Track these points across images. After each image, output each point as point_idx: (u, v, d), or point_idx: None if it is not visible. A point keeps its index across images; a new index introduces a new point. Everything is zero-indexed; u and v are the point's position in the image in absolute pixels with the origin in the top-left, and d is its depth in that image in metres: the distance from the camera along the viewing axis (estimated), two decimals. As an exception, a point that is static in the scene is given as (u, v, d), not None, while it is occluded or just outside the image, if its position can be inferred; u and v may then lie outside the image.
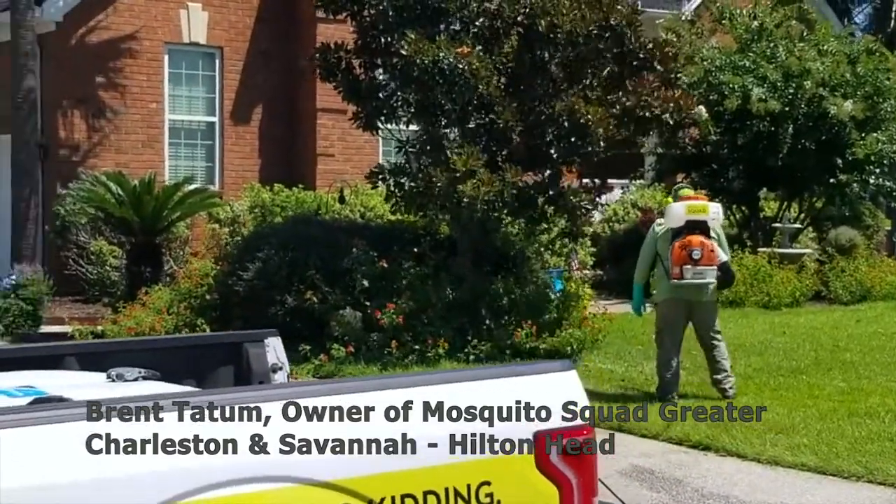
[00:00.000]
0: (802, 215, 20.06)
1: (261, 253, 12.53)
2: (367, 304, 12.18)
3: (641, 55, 12.15)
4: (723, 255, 9.97)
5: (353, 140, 18.01)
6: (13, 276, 13.80)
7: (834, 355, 12.54)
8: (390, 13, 11.83)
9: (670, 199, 10.44)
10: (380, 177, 12.94)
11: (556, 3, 11.99)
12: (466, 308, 12.24)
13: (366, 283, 12.28)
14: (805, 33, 19.22)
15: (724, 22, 19.51)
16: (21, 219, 15.37)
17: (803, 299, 17.39)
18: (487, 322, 12.19)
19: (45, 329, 13.64)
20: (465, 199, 11.38)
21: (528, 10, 12.11)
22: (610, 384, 11.00)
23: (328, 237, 12.82)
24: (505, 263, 13.35)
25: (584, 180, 13.48)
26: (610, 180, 19.81)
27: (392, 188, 12.80)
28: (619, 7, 12.17)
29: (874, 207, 22.05)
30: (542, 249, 16.27)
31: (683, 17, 20.70)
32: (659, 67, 12.48)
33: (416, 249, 12.82)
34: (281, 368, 5.04)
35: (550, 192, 12.61)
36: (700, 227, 9.73)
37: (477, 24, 12.16)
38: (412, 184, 12.50)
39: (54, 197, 16.37)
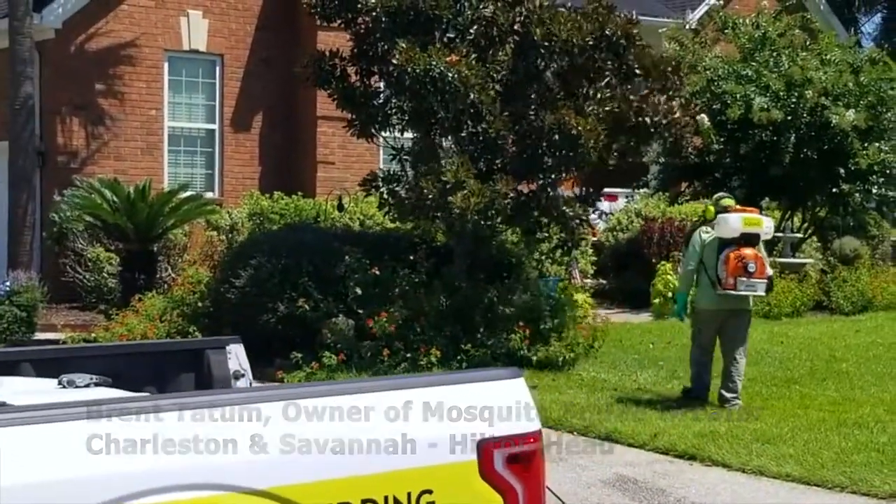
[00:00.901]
0: (805, 225, 19.95)
1: (253, 260, 12.50)
2: (360, 311, 12.14)
3: (638, 71, 12.09)
4: (769, 269, 10.21)
5: (353, 148, 17.97)
6: (7, 283, 13.79)
7: (829, 365, 12.47)
8: (384, 20, 11.80)
9: (712, 209, 10.46)
10: (374, 185, 12.91)
11: (552, 12, 11.95)
12: (460, 316, 12.19)
13: (359, 290, 12.24)
14: (808, 42, 19.12)
15: (727, 31, 19.43)
16: (18, 225, 15.38)
17: (804, 309, 17.31)
18: (481, 330, 12.13)
19: (38, 336, 13.62)
20: (455, 210, 11.34)
21: (523, 18, 12.07)
22: (602, 393, 10.95)
23: (321, 244, 12.78)
24: (500, 272, 13.30)
25: (577, 190, 13.40)
26: (614, 189, 19.90)
27: (386, 196, 12.77)
28: (614, 17, 12.08)
29: (879, 217, 21.90)
30: (543, 258, 16.23)
31: (687, 27, 20.63)
32: (657, 85, 12.42)
33: (410, 257, 12.78)
34: (243, 375, 5.00)
35: (543, 202, 12.54)
36: (752, 241, 9.96)
37: (471, 31, 12.13)
38: (405, 193, 12.47)
39: (52, 204, 16.36)
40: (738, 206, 10.50)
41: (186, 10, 18.14)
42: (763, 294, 10.47)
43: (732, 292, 9.89)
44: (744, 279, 9.81)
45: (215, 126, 18.61)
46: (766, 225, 10.15)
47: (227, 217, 16.58)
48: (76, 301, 15.89)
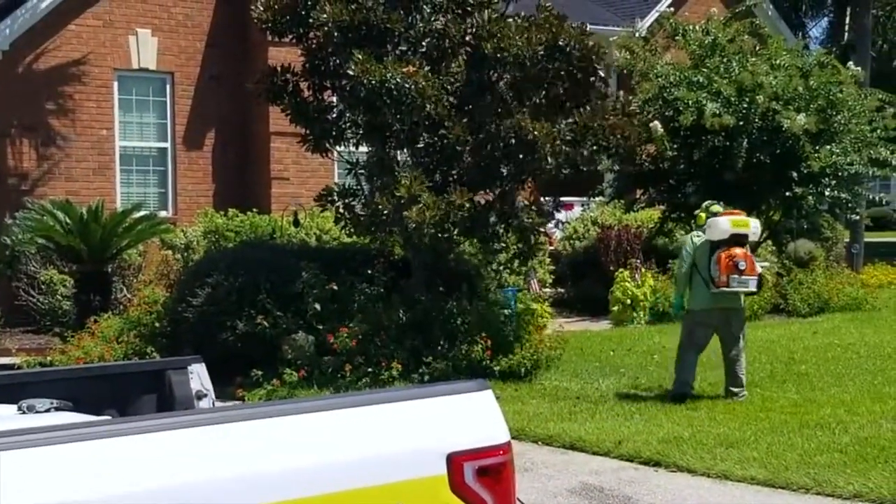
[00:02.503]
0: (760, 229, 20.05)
1: (210, 278, 12.40)
2: (320, 327, 12.07)
3: (584, 67, 12.10)
4: (758, 267, 10.91)
5: (307, 163, 17.89)
6: (-41, 308, 13.60)
7: (789, 367, 12.55)
8: (336, 35, 11.74)
9: (703, 215, 11.11)
10: (329, 199, 12.85)
11: (501, 25, 11.94)
12: (420, 329, 12.15)
13: (317, 306, 12.18)
14: (757, 48, 19.26)
15: (677, 38, 19.53)
16: (-31, 249, 15.18)
17: (762, 312, 17.41)
18: (441, 342, 12.09)
19: (-8, 361, 13.42)
20: (411, 224, 11.31)
21: (474, 31, 12.07)
22: (565, 402, 10.94)
23: (279, 261, 12.70)
24: (459, 283, 13.28)
25: (534, 199, 13.40)
26: (570, 198, 19.95)
27: (342, 211, 12.71)
28: (567, 27, 12.09)
29: (832, 219, 22.08)
30: (501, 268, 16.23)
31: (637, 34, 20.71)
32: (598, 82, 12.46)
33: (368, 271, 12.73)
34: (206, 395, 4.93)
35: (502, 212, 12.53)
36: (740, 241, 10.63)
37: (424, 44, 12.10)
38: (361, 208, 12.43)
39: (3, 227, 16.14)
40: (725, 210, 11.11)
41: (135, 28, 17.99)
42: (755, 290, 11.07)
43: (726, 289, 10.53)
44: (735, 276, 10.47)
45: (167, 144, 18.45)
46: (753, 226, 10.82)
47: (181, 236, 16.44)
48: (30, 324, 15.68)
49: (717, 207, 11.15)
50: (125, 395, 4.86)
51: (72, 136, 17.47)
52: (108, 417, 4.35)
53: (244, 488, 3.13)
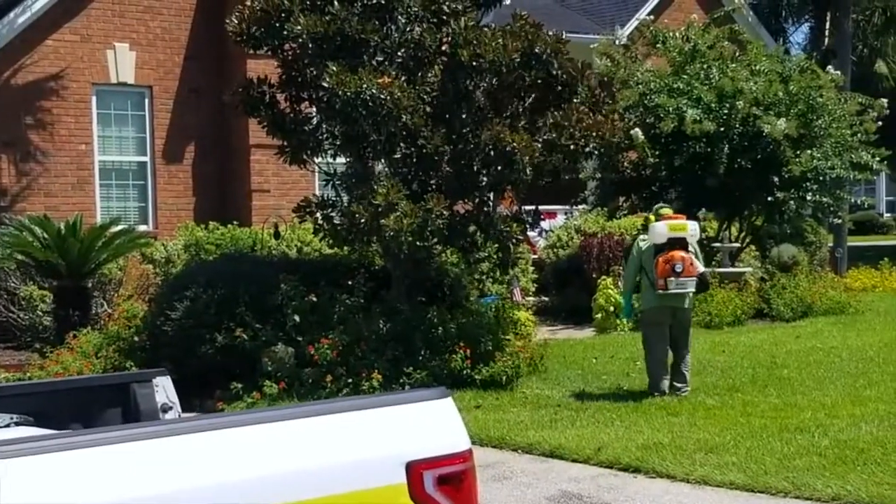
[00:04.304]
0: (743, 234, 20.10)
1: (189, 292, 12.33)
2: (300, 339, 12.02)
3: (564, 77, 12.08)
4: (700, 267, 11.41)
5: (288, 175, 17.85)
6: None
7: (771, 372, 12.53)
8: (310, 46, 11.71)
9: (652, 218, 11.56)
10: (308, 210, 12.80)
11: (478, 33, 11.93)
12: (401, 339, 12.10)
13: (297, 318, 12.12)
14: (737, 54, 19.30)
15: (657, 45, 19.56)
16: (-51, 266, 15.09)
17: (745, 317, 17.40)
18: (422, 352, 12.05)
19: (-29, 378, 13.32)
20: (389, 233, 11.27)
21: (450, 39, 12.05)
22: (546, 409, 10.90)
23: (258, 273, 12.65)
24: (439, 293, 13.25)
25: (515, 208, 13.37)
26: (553, 206, 19.94)
27: (321, 222, 12.67)
28: (543, 35, 12.08)
29: (815, 224, 22.14)
30: (483, 277, 16.21)
31: (617, 42, 20.76)
32: (584, 92, 12.42)
33: (348, 282, 12.69)
34: (171, 408, 4.90)
35: (481, 221, 12.50)
36: (680, 244, 11.10)
37: (400, 54, 12.08)
38: (339, 219, 12.39)
39: (-18, 244, 16.05)
40: (672, 214, 11.55)
41: (112, 42, 17.95)
42: (694, 290, 11.42)
43: (662, 292, 11.03)
44: (673, 279, 10.95)
45: (147, 158, 18.40)
46: (690, 228, 11.29)
47: (162, 249, 16.38)
48: (11, 341, 15.57)
49: (665, 210, 11.62)
50: (89, 408, 4.82)
51: (50, 151, 17.42)
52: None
53: (202, 498, 3.10)
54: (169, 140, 18.45)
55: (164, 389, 4.93)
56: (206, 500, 3.10)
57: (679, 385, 11.29)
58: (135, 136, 18.39)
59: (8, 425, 4.15)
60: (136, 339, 12.59)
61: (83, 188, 17.65)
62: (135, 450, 3.05)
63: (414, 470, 3.43)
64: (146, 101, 18.37)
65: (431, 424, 3.60)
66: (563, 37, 12.35)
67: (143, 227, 17.43)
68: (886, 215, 48.48)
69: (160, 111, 18.39)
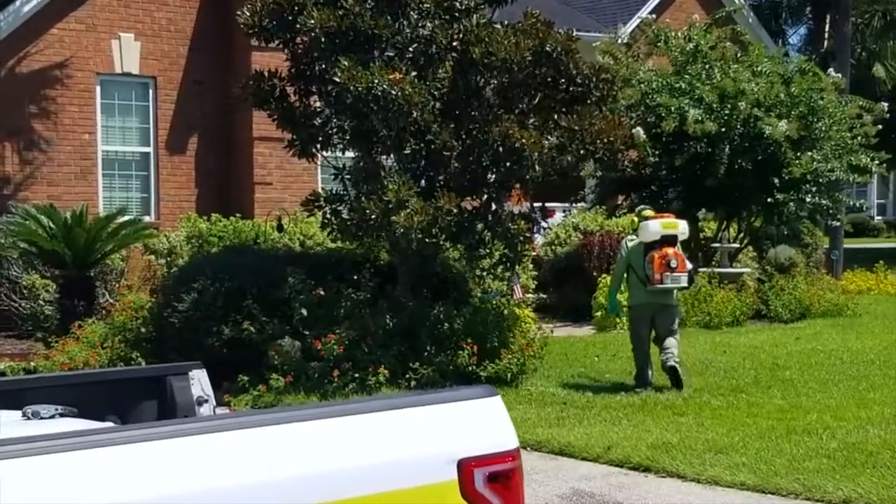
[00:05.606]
0: (741, 235, 20.18)
1: (196, 284, 12.35)
2: (306, 332, 12.05)
3: (579, 80, 12.14)
4: (689, 264, 11.85)
5: (291, 168, 17.87)
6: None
7: (773, 373, 12.59)
8: (322, 40, 11.72)
9: (636, 219, 12.20)
10: (316, 204, 12.82)
11: (490, 30, 11.96)
12: (407, 334, 12.14)
13: (304, 311, 12.15)
14: (739, 55, 19.37)
15: (659, 45, 19.62)
16: (-49, 254, 15.08)
17: (744, 318, 17.47)
18: (428, 348, 12.09)
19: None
20: (399, 229, 11.31)
21: (462, 36, 12.09)
22: (552, 407, 10.95)
23: (265, 266, 12.68)
24: (445, 289, 13.29)
25: (524, 206, 13.41)
26: (551, 203, 19.98)
27: (329, 216, 12.69)
28: (554, 34, 12.13)
29: (812, 226, 22.21)
30: (484, 274, 16.24)
31: (619, 41, 20.79)
32: (597, 93, 12.46)
33: (354, 276, 12.72)
34: (207, 401, 4.92)
35: (489, 218, 12.55)
36: (671, 241, 11.57)
37: (411, 50, 12.10)
38: (348, 213, 12.41)
39: (-17, 231, 16.04)
40: (655, 214, 12.13)
41: (118, 32, 17.94)
42: (686, 286, 12.07)
43: (660, 286, 11.45)
44: (668, 274, 11.42)
45: (150, 149, 18.40)
46: (681, 227, 11.77)
47: (164, 241, 16.38)
48: (12, 329, 15.57)
49: (648, 212, 12.11)
50: (125, 400, 4.84)
51: (54, 140, 17.41)
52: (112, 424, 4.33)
53: (254, 495, 3.12)
54: (172, 131, 18.45)
55: (199, 382, 4.95)
56: (255, 499, 3.11)
57: (665, 357, 11.50)
58: (138, 127, 18.38)
59: (53, 416, 4.18)
60: (142, 330, 12.61)
61: (86, 178, 17.64)
62: (176, 447, 3.06)
63: (465, 467, 3.46)
64: (150, 91, 18.37)
65: (481, 422, 3.64)
66: (574, 34, 12.39)
67: (145, 218, 17.41)
68: (878, 218, 48.68)
69: (164, 102, 18.38)
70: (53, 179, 17.36)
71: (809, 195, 18.27)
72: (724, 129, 17.50)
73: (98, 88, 17.91)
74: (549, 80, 12.15)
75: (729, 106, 17.64)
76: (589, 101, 12.29)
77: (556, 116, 12.29)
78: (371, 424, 3.43)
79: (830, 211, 19.62)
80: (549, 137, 11.95)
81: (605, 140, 12.17)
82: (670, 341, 11.65)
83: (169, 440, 3.07)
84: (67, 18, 17.55)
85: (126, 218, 15.37)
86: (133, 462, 2.96)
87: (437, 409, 3.60)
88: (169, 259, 16.02)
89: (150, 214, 18.18)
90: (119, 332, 12.72)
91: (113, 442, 2.98)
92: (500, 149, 11.70)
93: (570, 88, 12.22)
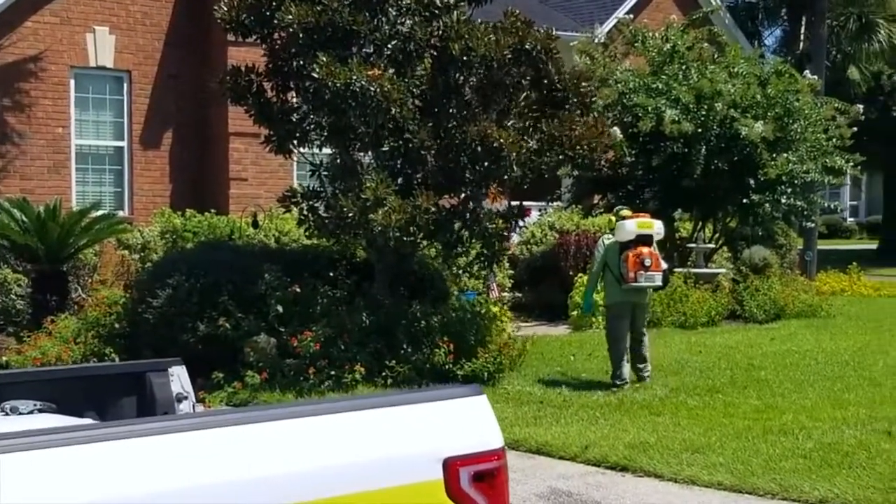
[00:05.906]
0: (717, 235, 20.24)
1: (171, 279, 12.26)
2: (282, 329, 11.98)
3: (560, 85, 12.14)
4: (663, 263, 12.07)
5: (266, 164, 17.78)
6: None
7: (749, 374, 12.62)
8: (300, 36, 11.65)
9: (613, 219, 12.40)
10: (293, 201, 12.76)
11: (469, 27, 11.92)
12: (383, 332, 12.10)
13: (280, 308, 12.08)
14: (716, 55, 19.42)
15: (636, 45, 19.65)
16: (-79, 248, 14.90)
17: (719, 318, 17.51)
18: (405, 346, 12.05)
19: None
20: (377, 227, 11.26)
21: (441, 32, 12.05)
22: (529, 406, 10.93)
23: (240, 262, 12.60)
24: (422, 287, 13.25)
25: (502, 204, 13.37)
26: (527, 202, 19.94)
27: (306, 213, 12.62)
28: (533, 32, 12.10)
29: (786, 227, 22.31)
30: (461, 272, 16.20)
31: (596, 41, 20.81)
32: (576, 99, 12.47)
33: (331, 273, 12.66)
34: (186, 398, 4.88)
35: (467, 217, 12.51)
36: (646, 241, 11.72)
37: (389, 46, 12.06)
38: (325, 210, 12.35)
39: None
40: (632, 214, 12.27)
41: (92, 26, 17.80)
42: (661, 285, 12.36)
43: (634, 285, 11.60)
44: (642, 273, 11.57)
45: (124, 143, 18.26)
46: (656, 226, 11.95)
47: (138, 236, 16.25)
48: (-18, 324, 15.44)
49: (625, 212, 12.27)
50: (105, 396, 4.79)
51: (27, 134, 17.26)
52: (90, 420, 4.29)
53: (240, 493, 3.09)
54: (146, 125, 18.32)
55: (179, 378, 4.91)
56: (240, 496, 3.08)
57: (641, 366, 11.98)
58: (112, 121, 18.24)
59: (32, 412, 4.13)
60: (116, 325, 12.51)
61: (59, 172, 17.50)
62: (167, 442, 3.02)
63: (451, 466, 3.43)
64: (125, 85, 18.23)
65: (467, 421, 3.60)
66: (553, 33, 12.38)
67: (119, 213, 17.27)
68: (850, 220, 49.01)
69: (138, 96, 18.25)
70: (26, 173, 17.21)
71: (785, 196, 18.35)
72: (700, 130, 17.55)
73: (72, 82, 17.77)
74: (528, 80, 12.12)
75: (705, 107, 17.69)
76: (568, 107, 12.28)
77: (535, 120, 12.27)
78: (357, 423, 3.40)
79: (805, 212, 19.72)
80: (529, 140, 11.93)
81: (587, 146, 12.16)
82: (645, 348, 12.01)
83: (154, 437, 3.03)
84: (42, 11, 17.41)
85: (100, 212, 15.23)
86: (116, 459, 2.92)
87: (422, 407, 3.57)
88: (143, 254, 15.90)
89: (123, 209, 18.04)
90: (92, 328, 12.61)
91: (96, 438, 2.94)
92: (479, 148, 11.66)
93: (550, 93, 12.21)
